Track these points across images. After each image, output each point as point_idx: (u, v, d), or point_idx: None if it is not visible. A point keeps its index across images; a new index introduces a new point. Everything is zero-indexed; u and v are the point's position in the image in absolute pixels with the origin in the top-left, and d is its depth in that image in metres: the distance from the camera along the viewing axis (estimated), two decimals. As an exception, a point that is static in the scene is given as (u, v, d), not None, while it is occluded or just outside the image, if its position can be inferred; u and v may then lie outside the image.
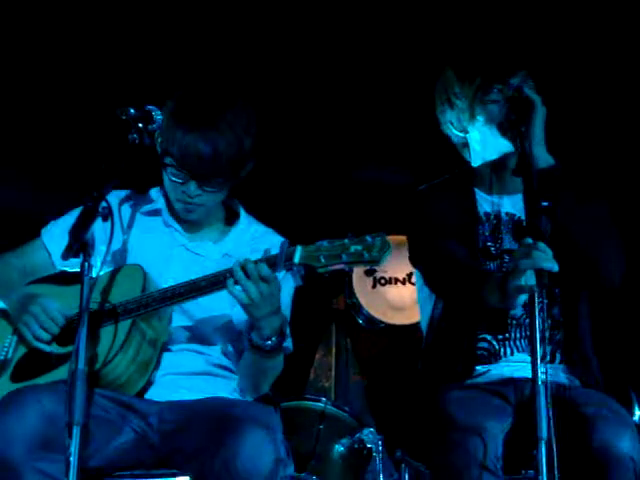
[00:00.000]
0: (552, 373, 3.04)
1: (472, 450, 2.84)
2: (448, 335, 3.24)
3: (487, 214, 3.31)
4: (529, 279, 2.85)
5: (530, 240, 2.85)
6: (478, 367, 3.20)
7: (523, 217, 3.25)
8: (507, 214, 3.30)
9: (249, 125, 3.10)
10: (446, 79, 3.30)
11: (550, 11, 4.39)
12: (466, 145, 3.34)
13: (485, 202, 3.33)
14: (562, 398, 3.02)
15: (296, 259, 2.83)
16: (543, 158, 3.12)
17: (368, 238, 2.79)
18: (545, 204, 2.87)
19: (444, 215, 3.30)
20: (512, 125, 3.11)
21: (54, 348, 3.04)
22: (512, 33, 4.28)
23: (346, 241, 2.80)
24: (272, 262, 2.88)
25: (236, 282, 2.88)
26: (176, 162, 3.06)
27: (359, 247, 2.78)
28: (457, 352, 3.19)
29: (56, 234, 3.25)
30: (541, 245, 2.83)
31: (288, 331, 3.14)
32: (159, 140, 3.11)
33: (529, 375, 2.77)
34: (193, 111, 3.05)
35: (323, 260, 2.80)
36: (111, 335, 2.97)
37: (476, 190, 3.35)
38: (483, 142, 3.28)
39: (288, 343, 3.15)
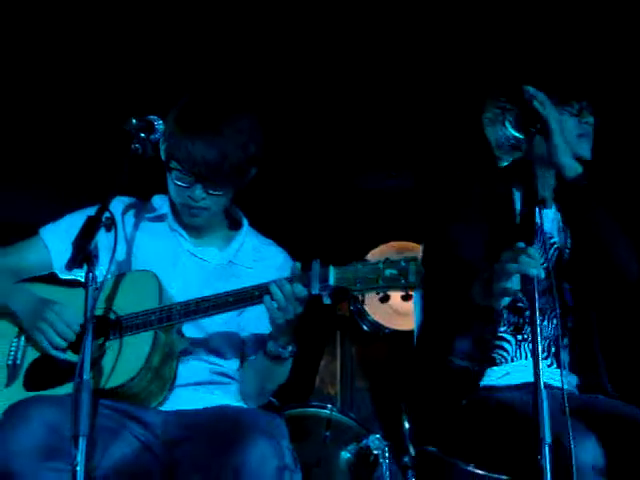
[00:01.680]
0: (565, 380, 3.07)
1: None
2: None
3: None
4: (515, 283, 2.86)
5: (522, 244, 2.86)
6: (495, 368, 3.21)
7: (549, 231, 3.31)
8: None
9: (253, 131, 3.12)
10: (518, 79, 3.32)
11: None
12: (513, 148, 3.34)
13: (519, 203, 3.34)
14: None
15: (331, 281, 2.84)
16: (569, 166, 3.18)
17: (402, 263, 2.80)
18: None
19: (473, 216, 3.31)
20: (525, 124, 3.13)
21: (69, 356, 3.02)
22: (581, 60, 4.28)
23: (380, 265, 2.81)
24: (305, 282, 2.89)
25: (273, 300, 2.90)
26: (182, 166, 3.07)
27: (394, 272, 2.79)
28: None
29: (57, 235, 3.23)
30: (531, 250, 2.84)
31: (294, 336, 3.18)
32: (164, 146, 3.12)
33: (547, 381, 2.79)
34: (199, 116, 3.07)
35: (359, 285, 2.82)
36: (133, 348, 2.96)
37: (514, 190, 3.36)
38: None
39: (294, 347, 3.16)
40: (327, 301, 2.91)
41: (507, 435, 2.94)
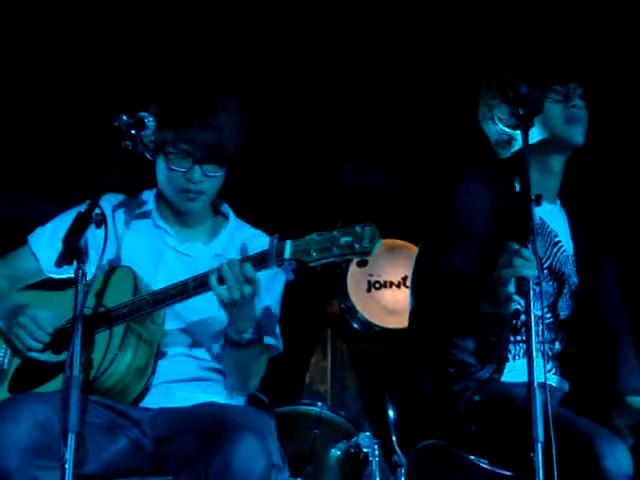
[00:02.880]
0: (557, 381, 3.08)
1: None
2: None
3: None
4: (510, 287, 2.85)
5: (515, 245, 2.83)
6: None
7: (552, 226, 3.30)
8: (540, 218, 3.27)
9: (241, 112, 3.16)
10: (503, 75, 3.30)
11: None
12: (508, 142, 3.34)
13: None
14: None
15: (287, 254, 2.81)
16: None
17: (357, 228, 2.75)
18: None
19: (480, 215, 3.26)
20: (519, 119, 3.10)
21: (48, 357, 3.03)
22: (569, 42, 4.27)
23: (335, 233, 2.77)
24: (262, 258, 2.87)
25: (220, 282, 2.88)
26: (179, 149, 3.07)
27: (349, 239, 2.74)
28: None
29: (43, 240, 3.25)
30: (525, 252, 2.81)
31: (278, 330, 3.17)
32: (156, 134, 3.09)
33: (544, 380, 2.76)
34: (191, 100, 3.10)
35: (314, 254, 2.78)
36: (106, 341, 2.96)
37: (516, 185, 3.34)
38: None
39: (278, 343, 3.18)
40: (290, 277, 2.88)
41: (512, 430, 2.92)
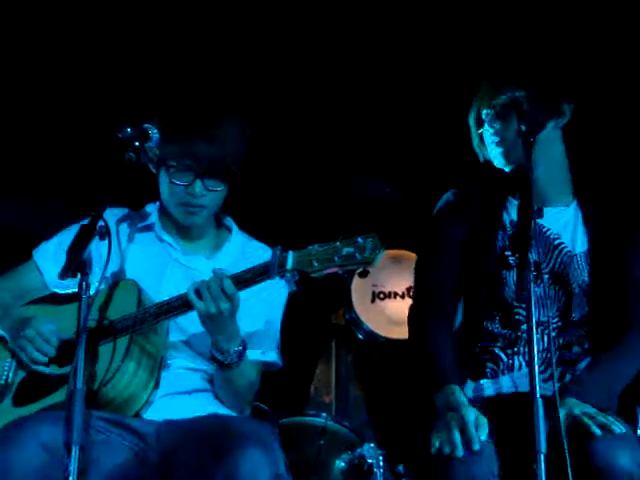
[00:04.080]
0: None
1: (471, 471, 2.84)
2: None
3: (514, 222, 3.29)
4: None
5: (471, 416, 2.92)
6: (483, 381, 3.21)
7: (553, 229, 3.30)
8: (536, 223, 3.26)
9: (244, 128, 3.17)
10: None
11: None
12: (482, 144, 3.37)
13: (516, 210, 3.32)
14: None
15: (289, 265, 2.82)
16: None
17: (359, 239, 2.76)
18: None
19: (461, 224, 3.32)
20: (521, 135, 3.11)
21: (53, 369, 3.04)
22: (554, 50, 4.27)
23: (338, 244, 2.78)
24: (265, 269, 2.88)
25: (199, 295, 2.90)
26: (181, 163, 3.09)
27: (351, 249, 2.75)
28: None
29: (48, 254, 3.27)
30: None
31: (278, 345, 3.19)
32: (159, 148, 3.11)
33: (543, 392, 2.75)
34: (192, 112, 3.12)
35: (316, 264, 2.78)
36: (110, 353, 2.97)
37: (510, 198, 3.35)
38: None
39: (277, 359, 3.19)
40: (292, 288, 2.89)
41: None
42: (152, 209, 3.32)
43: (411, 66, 4.59)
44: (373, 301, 5.03)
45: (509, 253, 3.26)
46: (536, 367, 2.71)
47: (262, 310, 3.17)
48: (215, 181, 3.12)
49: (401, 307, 5.01)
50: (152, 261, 3.23)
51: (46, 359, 3.03)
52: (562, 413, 2.92)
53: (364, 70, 4.64)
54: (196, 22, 4.46)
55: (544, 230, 3.28)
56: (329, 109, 4.78)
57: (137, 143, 3.01)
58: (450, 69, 4.49)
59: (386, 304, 5.03)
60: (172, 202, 3.18)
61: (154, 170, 3.19)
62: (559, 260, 3.27)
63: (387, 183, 5.12)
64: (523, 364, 3.20)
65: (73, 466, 2.58)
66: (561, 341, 3.22)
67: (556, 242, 3.29)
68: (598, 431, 2.88)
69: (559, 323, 3.23)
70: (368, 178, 5.14)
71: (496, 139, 3.27)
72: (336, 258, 2.76)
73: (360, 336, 5.05)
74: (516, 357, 3.21)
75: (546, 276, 3.23)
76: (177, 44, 4.51)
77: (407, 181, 5.01)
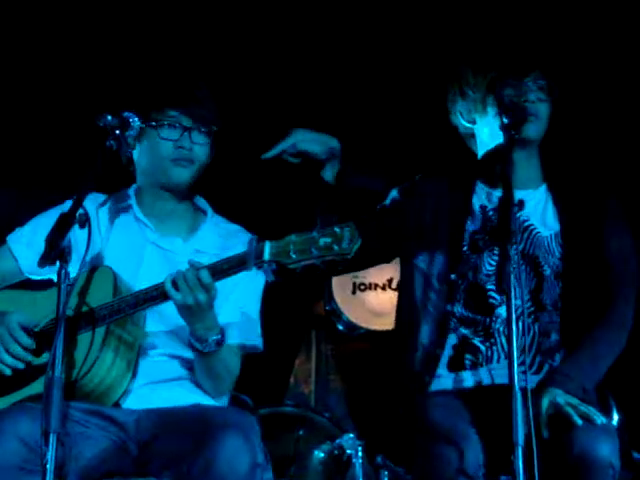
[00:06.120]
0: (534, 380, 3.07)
1: (453, 459, 2.85)
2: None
3: (483, 207, 3.31)
4: None
5: None
6: (463, 372, 3.21)
7: (525, 214, 3.29)
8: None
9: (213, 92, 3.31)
10: (461, 70, 3.35)
11: (568, 10, 4.39)
12: (473, 136, 3.37)
13: (485, 195, 3.33)
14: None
15: (266, 256, 2.79)
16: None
17: (337, 229, 2.73)
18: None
19: (426, 209, 3.33)
20: (503, 127, 3.11)
21: (31, 358, 3.01)
22: (529, 32, 4.29)
23: (315, 234, 2.75)
24: (242, 260, 2.86)
25: (175, 286, 2.89)
26: (169, 115, 3.18)
27: (328, 240, 2.72)
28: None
29: (23, 241, 3.25)
30: None
31: (259, 330, 3.18)
32: (146, 111, 3.17)
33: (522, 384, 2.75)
34: (174, 78, 3.29)
35: (294, 256, 2.75)
36: (87, 343, 2.95)
37: (478, 182, 3.35)
38: (491, 135, 3.29)
39: (258, 342, 3.19)
40: (270, 278, 2.90)
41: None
42: (129, 191, 3.32)
43: (391, 55, 4.60)
44: (354, 292, 5.03)
45: (479, 237, 3.27)
46: (515, 360, 2.72)
47: (239, 298, 3.17)
48: (201, 135, 3.20)
49: (382, 299, 5.01)
50: (130, 244, 3.22)
51: (17, 363, 3.01)
52: (545, 402, 2.93)
53: (348, 58, 4.65)
54: (183, 10, 4.46)
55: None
56: (315, 94, 4.77)
57: (118, 131, 3.01)
58: (439, 60, 4.50)
59: (367, 295, 5.03)
60: (159, 162, 3.20)
61: (133, 145, 3.21)
62: (529, 242, 3.27)
63: (368, 174, 5.11)
64: (502, 356, 3.20)
65: (51, 453, 2.58)
66: (537, 327, 3.22)
67: (525, 224, 3.29)
68: (580, 421, 2.90)
69: (532, 308, 3.23)
70: (355, 169, 5.14)
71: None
72: (314, 250, 2.73)
73: (340, 327, 5.05)
74: (495, 348, 3.21)
75: (516, 257, 3.22)
76: (161, 32, 4.51)
77: (390, 172, 5.00)
